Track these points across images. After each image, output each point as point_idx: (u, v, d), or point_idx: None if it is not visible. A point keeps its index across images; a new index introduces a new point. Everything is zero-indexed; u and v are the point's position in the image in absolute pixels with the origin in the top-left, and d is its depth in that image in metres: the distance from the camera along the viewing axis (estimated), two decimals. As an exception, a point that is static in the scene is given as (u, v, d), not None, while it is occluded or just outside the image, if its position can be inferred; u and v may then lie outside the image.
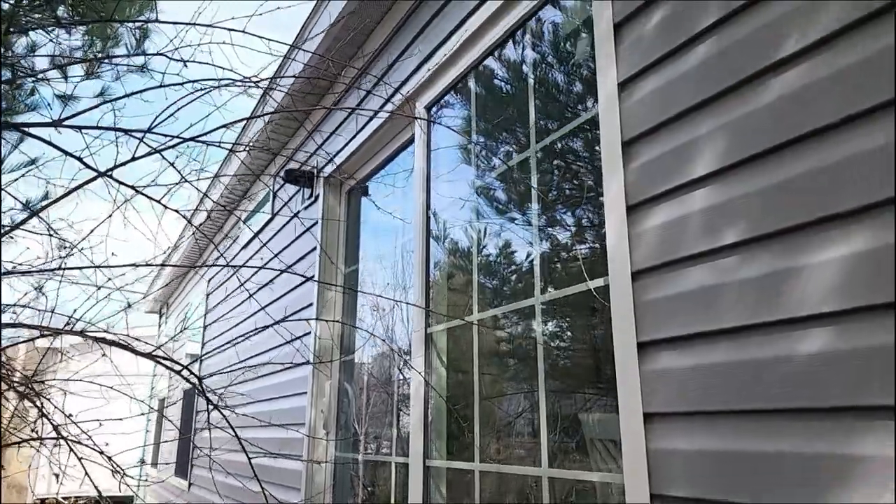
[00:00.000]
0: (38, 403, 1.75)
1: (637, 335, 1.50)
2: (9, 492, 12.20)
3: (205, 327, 5.85)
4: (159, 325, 8.85)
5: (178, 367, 1.98)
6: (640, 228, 1.53)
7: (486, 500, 2.18)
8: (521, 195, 2.36)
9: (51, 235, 1.99)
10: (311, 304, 3.51)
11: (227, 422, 2.28)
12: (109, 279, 1.92)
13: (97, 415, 2.25)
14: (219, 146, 1.79)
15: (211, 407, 2.22)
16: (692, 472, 1.33)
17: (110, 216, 1.78)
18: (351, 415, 3.35)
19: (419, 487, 2.39)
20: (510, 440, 2.33)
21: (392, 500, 2.79)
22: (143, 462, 7.85)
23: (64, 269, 1.78)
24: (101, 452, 1.73)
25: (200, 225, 5.33)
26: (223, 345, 4.62)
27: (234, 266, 4.14)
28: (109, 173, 1.72)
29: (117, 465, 1.73)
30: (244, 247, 4.93)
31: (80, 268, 1.72)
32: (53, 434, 1.72)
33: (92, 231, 1.80)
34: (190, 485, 5.65)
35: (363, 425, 3.28)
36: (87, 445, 1.74)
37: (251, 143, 3.66)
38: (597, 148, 1.86)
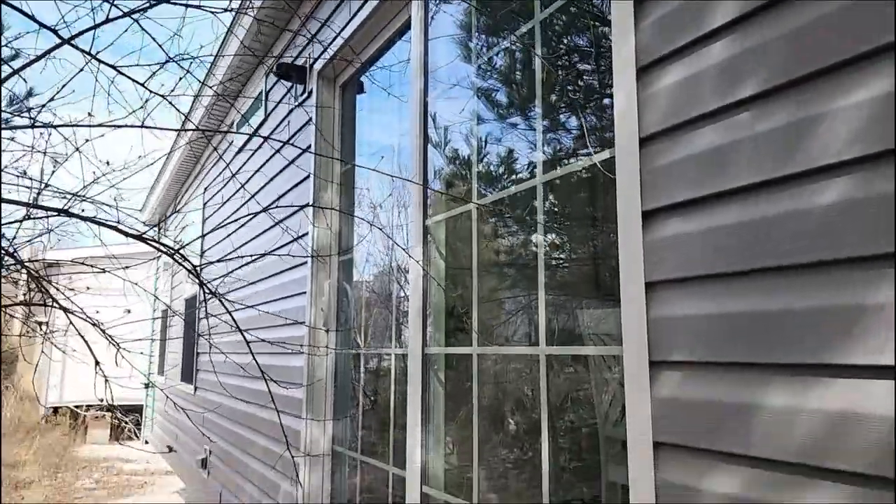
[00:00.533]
0: (32, 272, 1.71)
1: (642, 204, 1.44)
2: (20, 403, 12.61)
3: (203, 236, 5.83)
4: (158, 238, 8.79)
5: (170, 251, 1.94)
6: (652, 90, 1.44)
7: (484, 384, 2.20)
8: (523, 93, 2.25)
9: (31, 119, 1.90)
10: (307, 203, 3.45)
11: (227, 310, 2.26)
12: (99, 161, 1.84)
13: (95, 309, 2.23)
14: (199, 8, 1.67)
15: (210, 296, 2.20)
16: (694, 336, 1.31)
17: (85, 69, 1.68)
18: (350, 313, 3.36)
19: (418, 375, 2.41)
20: (508, 327, 2.33)
21: (392, 390, 2.83)
22: (151, 345, 7.96)
23: (52, 126, 1.69)
24: (95, 324, 1.71)
25: (197, 120, 5.18)
26: (222, 242, 4.59)
27: (241, 134, 4.01)
28: (75, 41, 1.60)
29: (112, 338, 1.72)
30: (239, 150, 4.82)
31: (65, 126, 1.63)
32: (54, 311, 1.68)
33: (60, 90, 1.71)
34: (196, 388, 5.79)
35: (362, 322, 3.29)
36: (80, 316, 1.72)
37: (235, 8, 3.43)
38: (603, 45, 1.74)
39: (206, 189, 6.02)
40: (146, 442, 9.41)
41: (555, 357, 2.07)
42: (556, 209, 2.16)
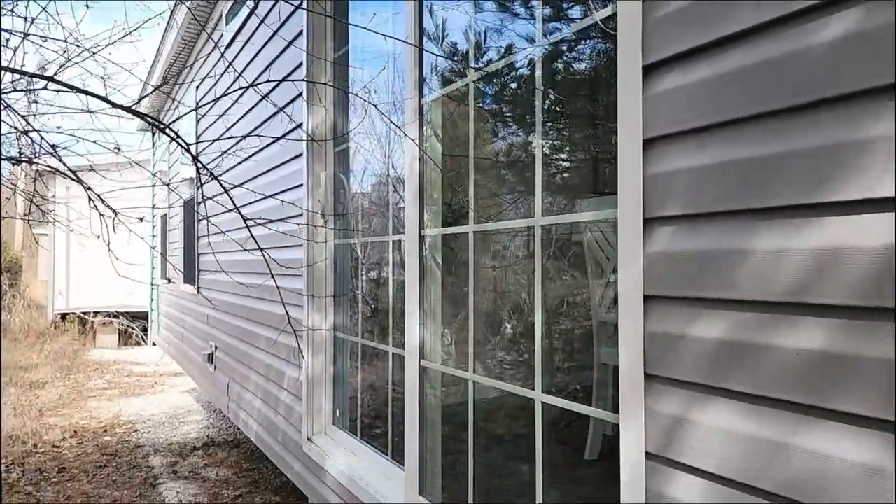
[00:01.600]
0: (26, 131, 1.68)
1: (643, 59, 1.40)
2: (28, 312, 12.89)
3: (198, 137, 5.74)
4: (153, 143, 8.69)
5: (161, 125, 1.90)
6: (656, -67, 1.36)
7: (480, 261, 2.23)
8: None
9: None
10: (301, 94, 3.37)
11: (224, 189, 2.25)
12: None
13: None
14: None
15: (205, 177, 2.18)
16: (688, 189, 1.31)
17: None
18: (347, 204, 3.36)
19: (415, 257, 2.43)
20: (505, 202, 2.33)
21: (391, 277, 2.87)
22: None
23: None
24: (89, 188, 1.70)
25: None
26: (220, 140, 4.53)
27: None
28: None
29: (108, 204, 1.72)
30: (229, 45, 4.66)
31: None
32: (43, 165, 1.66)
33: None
34: (199, 289, 5.89)
35: (359, 212, 3.30)
36: (71, 178, 1.71)
37: None
38: None
39: (198, 87, 5.87)
40: (153, 344, 9.69)
41: (551, 265, 2.09)
42: (556, 83, 2.11)
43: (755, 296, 1.18)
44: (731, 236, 1.23)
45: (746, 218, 1.20)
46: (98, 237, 1.64)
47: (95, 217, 1.85)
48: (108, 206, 1.69)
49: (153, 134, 8.52)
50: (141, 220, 1.77)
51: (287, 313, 2.70)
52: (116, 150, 1.95)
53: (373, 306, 3.19)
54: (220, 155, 3.51)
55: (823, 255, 1.08)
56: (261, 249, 2.33)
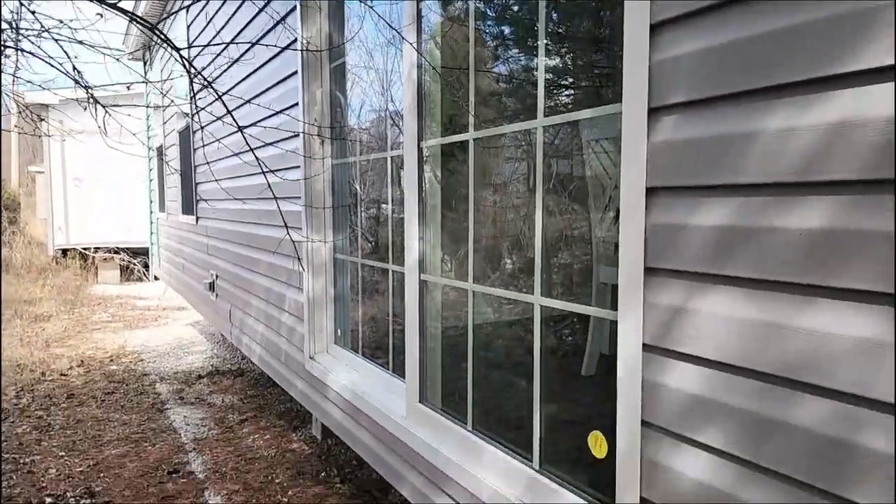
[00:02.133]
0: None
1: (652, -63, 1.33)
2: (29, 248, 12.92)
3: (189, 6, 5.57)
4: (145, 73, 8.47)
5: (149, 25, 1.83)
6: None
7: (479, 169, 2.20)
8: None
9: None
10: (295, 8, 3.25)
11: (228, 110, 2.19)
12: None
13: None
14: None
15: (199, 86, 2.12)
16: (694, 73, 1.26)
17: None
18: (345, 123, 3.29)
19: (414, 170, 2.39)
20: (505, 108, 2.28)
21: (390, 196, 2.85)
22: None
23: None
24: (88, 91, 1.65)
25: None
26: (215, 43, 4.41)
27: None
28: None
29: (97, 100, 1.67)
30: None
31: None
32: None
33: None
34: (197, 219, 5.87)
35: (357, 128, 3.24)
36: (58, 69, 1.65)
37: None
38: None
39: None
40: (156, 278, 9.76)
41: (551, 199, 2.05)
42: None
43: (761, 178, 1.15)
44: (737, 120, 1.19)
45: (752, 98, 1.16)
46: (87, 109, 1.59)
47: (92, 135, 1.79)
48: (97, 101, 1.63)
49: (144, 64, 8.29)
50: (128, 87, 1.72)
51: (286, 227, 2.69)
52: (100, 17, 1.88)
53: (371, 225, 3.18)
54: (220, 74, 3.41)
55: (832, 129, 1.04)
56: (264, 172, 2.30)
